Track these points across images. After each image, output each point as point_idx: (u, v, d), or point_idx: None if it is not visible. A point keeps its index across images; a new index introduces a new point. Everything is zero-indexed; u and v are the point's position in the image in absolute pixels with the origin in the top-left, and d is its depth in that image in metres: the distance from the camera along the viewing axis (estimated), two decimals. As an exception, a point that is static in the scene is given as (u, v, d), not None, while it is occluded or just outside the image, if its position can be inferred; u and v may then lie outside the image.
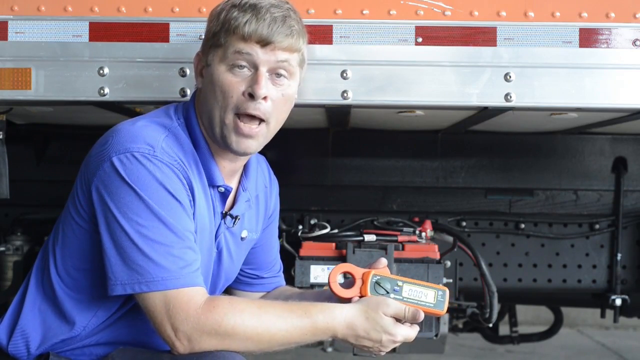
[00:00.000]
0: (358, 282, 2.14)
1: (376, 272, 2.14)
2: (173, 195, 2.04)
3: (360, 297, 2.13)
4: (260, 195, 2.42)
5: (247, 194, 2.32)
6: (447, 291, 2.16)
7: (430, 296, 2.14)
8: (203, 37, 2.20)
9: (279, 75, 2.13)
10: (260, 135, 2.15)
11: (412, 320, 2.09)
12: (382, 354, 2.15)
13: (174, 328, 1.99)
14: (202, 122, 2.19)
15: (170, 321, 1.99)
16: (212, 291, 2.32)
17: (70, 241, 2.15)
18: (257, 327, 2.01)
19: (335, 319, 2.05)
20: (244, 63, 2.10)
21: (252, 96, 2.10)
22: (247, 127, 2.11)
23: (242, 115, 2.11)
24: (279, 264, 2.61)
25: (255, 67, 2.11)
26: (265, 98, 2.11)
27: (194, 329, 1.98)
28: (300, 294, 2.47)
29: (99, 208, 2.04)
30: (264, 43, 2.09)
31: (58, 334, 2.16)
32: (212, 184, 2.20)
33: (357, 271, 2.16)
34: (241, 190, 2.31)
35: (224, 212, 2.25)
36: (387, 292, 2.12)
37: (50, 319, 2.16)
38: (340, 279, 2.17)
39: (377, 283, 2.12)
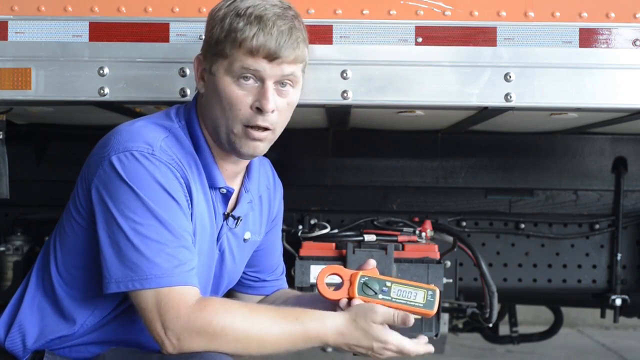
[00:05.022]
0: (346, 284, 2.12)
1: (364, 273, 2.13)
2: (170, 194, 2.05)
3: (349, 298, 2.11)
4: (264, 196, 2.42)
5: (250, 195, 2.32)
6: (438, 291, 2.13)
7: (420, 296, 2.11)
8: (203, 37, 2.19)
9: (284, 84, 2.13)
10: (267, 140, 2.16)
11: (403, 324, 2.06)
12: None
13: (164, 326, 1.98)
14: (205, 126, 2.19)
15: (161, 319, 1.98)
16: (214, 293, 2.32)
17: (70, 240, 2.16)
18: (247, 329, 2.00)
19: (326, 327, 2.04)
20: (250, 75, 2.10)
21: (260, 110, 2.10)
22: (256, 133, 2.12)
23: (251, 127, 2.12)
24: (281, 267, 2.60)
25: (262, 80, 2.10)
26: (273, 111, 2.11)
27: (183, 328, 1.97)
28: (297, 297, 2.46)
29: (98, 207, 2.05)
30: (272, 58, 2.08)
31: (55, 331, 2.16)
32: (213, 186, 2.20)
33: (345, 272, 2.14)
34: (243, 192, 2.31)
35: (226, 213, 2.25)
36: (375, 293, 2.10)
37: (49, 316, 2.17)
38: (329, 280, 2.15)
39: (365, 284, 2.11)
